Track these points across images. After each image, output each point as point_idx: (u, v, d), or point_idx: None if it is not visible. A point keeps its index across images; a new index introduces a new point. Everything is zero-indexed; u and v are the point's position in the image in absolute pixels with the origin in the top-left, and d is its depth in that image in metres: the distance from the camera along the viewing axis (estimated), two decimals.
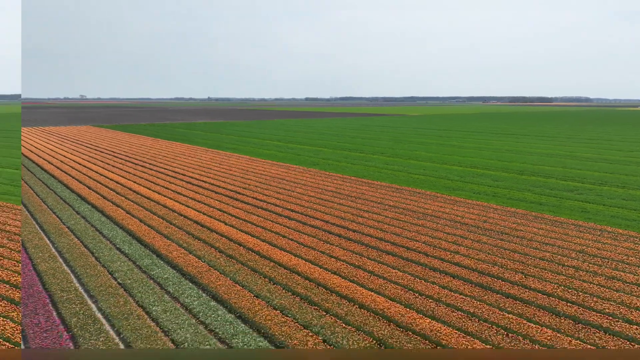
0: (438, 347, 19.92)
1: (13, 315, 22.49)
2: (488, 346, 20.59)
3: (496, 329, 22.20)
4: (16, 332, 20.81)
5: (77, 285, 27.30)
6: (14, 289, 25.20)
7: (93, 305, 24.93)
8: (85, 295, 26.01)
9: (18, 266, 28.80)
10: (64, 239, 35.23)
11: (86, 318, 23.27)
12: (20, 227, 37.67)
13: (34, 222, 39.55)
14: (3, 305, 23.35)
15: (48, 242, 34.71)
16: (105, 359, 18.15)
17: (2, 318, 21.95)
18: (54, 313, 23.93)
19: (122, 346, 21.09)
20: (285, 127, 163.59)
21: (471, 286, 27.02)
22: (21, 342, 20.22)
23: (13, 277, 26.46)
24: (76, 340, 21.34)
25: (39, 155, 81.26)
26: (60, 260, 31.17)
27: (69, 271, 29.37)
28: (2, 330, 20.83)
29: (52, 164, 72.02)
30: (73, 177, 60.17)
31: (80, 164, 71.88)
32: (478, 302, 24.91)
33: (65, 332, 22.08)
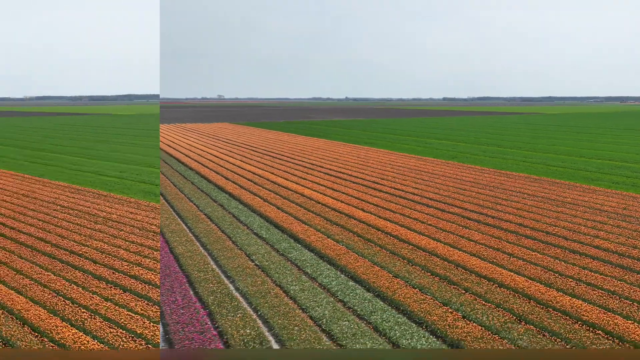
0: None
1: (153, 316, 23.15)
2: (630, 321, 21.28)
3: (638, 306, 22.90)
4: (156, 332, 21.71)
5: (214, 266, 28.56)
6: (155, 288, 26.12)
7: (230, 285, 25.96)
8: (222, 276, 27.16)
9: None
10: (201, 224, 37.03)
11: (223, 296, 24.23)
12: (159, 212, 40.00)
13: (171, 209, 41.87)
14: (143, 305, 24.26)
15: (185, 227, 36.65)
16: (250, 359, 18.68)
17: (144, 319, 22.77)
18: (191, 292, 25.12)
19: (259, 322, 21.76)
20: (423, 124, 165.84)
21: (611, 267, 27.83)
22: (160, 343, 21.13)
23: (156, 276, 27.59)
24: (213, 317, 22.26)
25: (175, 149, 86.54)
26: (197, 243, 32.80)
27: (206, 254, 30.83)
28: (142, 330, 21.77)
29: (189, 157, 76.51)
30: (210, 169, 63.48)
31: (217, 157, 75.72)
32: (619, 282, 25.64)
33: (202, 309, 23.03)
